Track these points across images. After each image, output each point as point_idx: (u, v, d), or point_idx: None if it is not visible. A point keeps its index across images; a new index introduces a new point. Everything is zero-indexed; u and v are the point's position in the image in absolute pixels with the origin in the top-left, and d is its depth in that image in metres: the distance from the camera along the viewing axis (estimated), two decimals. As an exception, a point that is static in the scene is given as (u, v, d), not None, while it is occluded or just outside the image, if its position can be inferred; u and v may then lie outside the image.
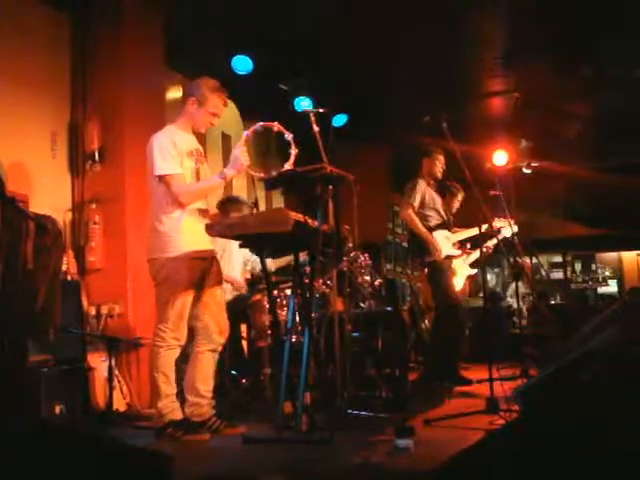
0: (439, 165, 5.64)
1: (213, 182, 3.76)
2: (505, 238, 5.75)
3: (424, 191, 5.51)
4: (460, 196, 6.10)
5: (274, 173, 3.76)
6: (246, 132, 3.85)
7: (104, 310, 4.97)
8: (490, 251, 5.95)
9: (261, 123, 3.85)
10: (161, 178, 3.63)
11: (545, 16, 5.97)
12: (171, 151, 3.64)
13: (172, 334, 3.62)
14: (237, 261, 5.37)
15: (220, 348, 3.82)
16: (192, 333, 3.79)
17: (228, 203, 5.32)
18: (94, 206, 5.13)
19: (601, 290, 14.29)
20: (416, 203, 5.45)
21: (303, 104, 6.62)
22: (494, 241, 5.82)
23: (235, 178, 3.86)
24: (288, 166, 3.70)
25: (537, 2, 5.80)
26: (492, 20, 6.17)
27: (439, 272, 5.44)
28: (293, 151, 3.74)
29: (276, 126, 3.84)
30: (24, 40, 4.89)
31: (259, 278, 5.40)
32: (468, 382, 5.35)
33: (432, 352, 5.68)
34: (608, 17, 6.05)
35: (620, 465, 1.82)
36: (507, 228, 5.73)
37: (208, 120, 3.80)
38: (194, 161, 3.77)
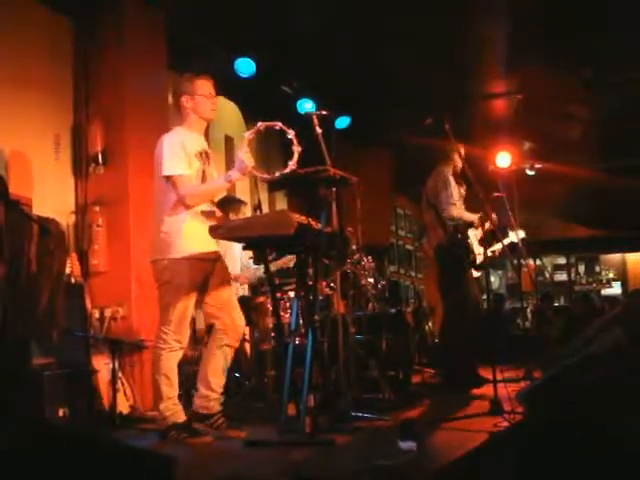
0: (458, 159, 5.53)
1: (219, 184, 3.76)
2: (512, 242, 5.72)
3: (454, 186, 5.50)
4: None
5: (278, 174, 3.72)
6: (246, 134, 3.81)
7: (108, 313, 4.96)
8: (497, 255, 5.91)
9: (262, 122, 3.81)
10: (168, 179, 3.62)
11: (547, 17, 5.97)
12: (180, 152, 3.64)
13: (174, 336, 3.62)
14: (237, 255, 5.34)
15: (236, 344, 3.84)
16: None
17: (226, 204, 5.30)
18: (97, 208, 5.13)
19: (605, 292, 14.25)
20: (456, 200, 5.43)
21: (306, 106, 6.62)
22: (499, 246, 5.76)
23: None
24: (292, 164, 3.65)
25: (538, 3, 5.80)
26: (494, 21, 6.16)
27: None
28: (296, 149, 3.69)
29: (278, 125, 3.82)
30: (26, 43, 4.89)
31: (262, 281, 5.39)
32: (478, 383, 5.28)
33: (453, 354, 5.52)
34: (609, 18, 6.04)
35: (622, 466, 1.82)
36: (514, 233, 5.69)
37: (208, 103, 3.79)
38: (201, 162, 3.76)
